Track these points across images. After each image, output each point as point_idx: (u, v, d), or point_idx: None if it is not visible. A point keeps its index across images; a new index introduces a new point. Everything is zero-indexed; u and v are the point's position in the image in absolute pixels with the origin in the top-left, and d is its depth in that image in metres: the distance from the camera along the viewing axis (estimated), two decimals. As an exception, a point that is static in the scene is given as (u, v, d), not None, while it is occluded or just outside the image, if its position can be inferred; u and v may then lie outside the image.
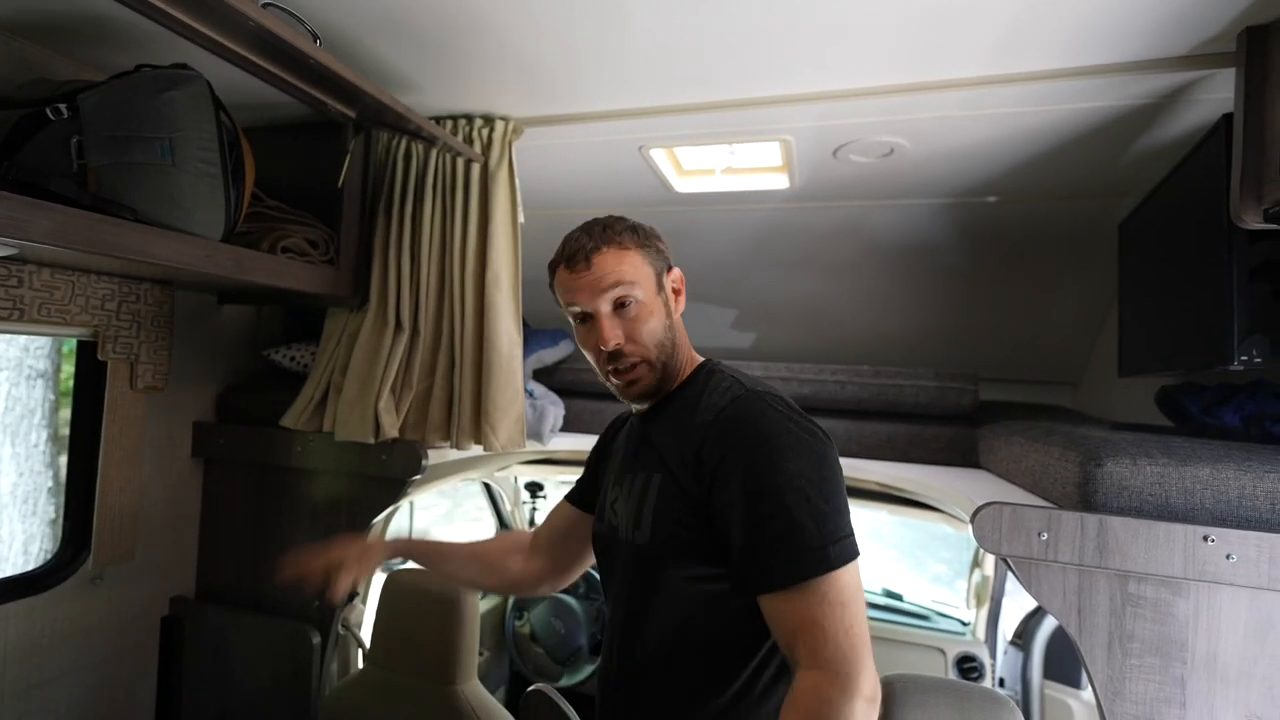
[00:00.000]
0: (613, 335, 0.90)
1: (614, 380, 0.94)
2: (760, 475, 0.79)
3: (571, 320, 0.97)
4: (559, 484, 3.00)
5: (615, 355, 0.91)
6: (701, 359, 1.01)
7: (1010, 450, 1.27)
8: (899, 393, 1.63)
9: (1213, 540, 0.87)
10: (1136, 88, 1.09)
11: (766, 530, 0.77)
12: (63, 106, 1.01)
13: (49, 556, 1.37)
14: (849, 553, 0.78)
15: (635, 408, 1.00)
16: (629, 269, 0.91)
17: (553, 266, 0.97)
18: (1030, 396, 2.05)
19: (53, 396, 2.09)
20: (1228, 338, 1.00)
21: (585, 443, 1.75)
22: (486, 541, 1.24)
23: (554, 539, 1.17)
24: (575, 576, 1.20)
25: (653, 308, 0.93)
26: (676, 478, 0.88)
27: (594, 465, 1.16)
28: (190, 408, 1.54)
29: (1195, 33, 0.96)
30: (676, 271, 1.00)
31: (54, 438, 2.16)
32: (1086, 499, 0.95)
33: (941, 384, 1.61)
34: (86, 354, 1.34)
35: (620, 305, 0.91)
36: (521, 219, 1.40)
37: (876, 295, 2.00)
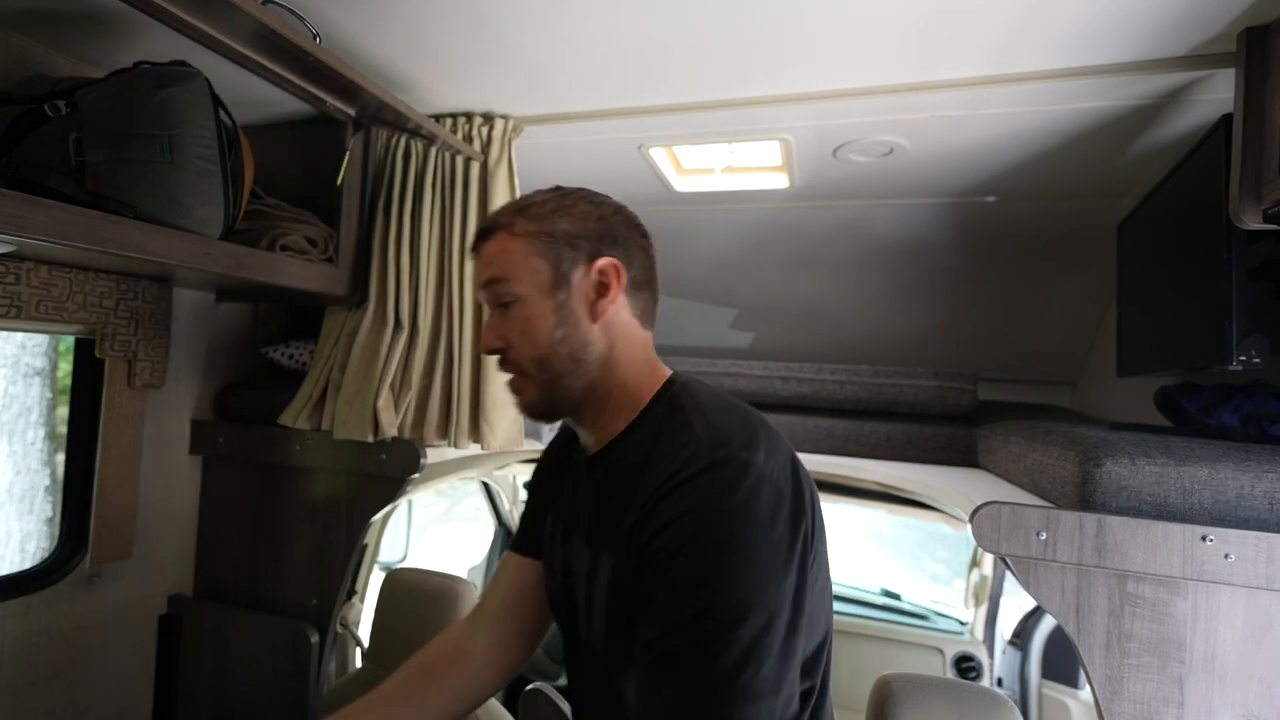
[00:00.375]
0: (486, 336, 0.76)
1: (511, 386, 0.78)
2: (683, 589, 0.61)
3: None
4: None
5: (501, 361, 0.77)
6: (668, 376, 0.79)
7: (1009, 450, 1.27)
8: (898, 392, 1.63)
9: (1211, 540, 0.87)
10: (1136, 88, 1.09)
11: (660, 665, 0.60)
12: (61, 103, 1.01)
13: (46, 555, 1.36)
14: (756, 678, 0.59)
15: (586, 446, 0.81)
16: (512, 260, 0.73)
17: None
18: (1028, 396, 2.05)
19: (50, 394, 2.09)
20: (1227, 338, 1.00)
21: (584, 442, 1.75)
22: (415, 665, 0.90)
23: (510, 607, 0.91)
24: (533, 646, 0.94)
25: (537, 310, 0.73)
26: (626, 567, 0.68)
27: (539, 493, 0.95)
28: (188, 405, 1.54)
29: (1195, 33, 0.96)
30: (605, 262, 0.75)
31: (51, 436, 2.15)
32: (1085, 499, 0.95)
33: (940, 384, 1.61)
34: (84, 351, 1.34)
35: (502, 304, 0.75)
36: (521, 217, 1.40)
37: (876, 295, 2.00)
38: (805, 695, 0.70)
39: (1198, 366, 1.09)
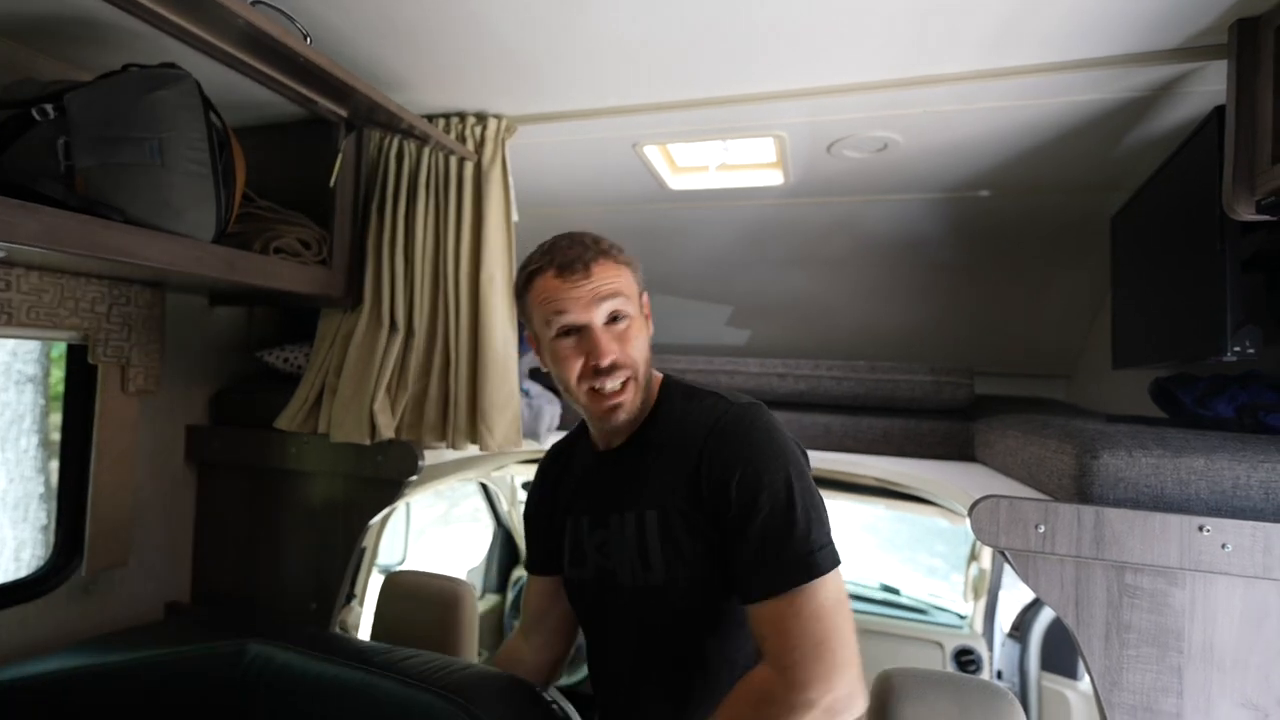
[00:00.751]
0: (609, 349, 0.85)
1: (596, 403, 0.88)
2: (752, 487, 0.79)
3: (547, 334, 0.88)
4: None
5: (608, 370, 0.86)
6: (663, 377, 0.98)
7: (1006, 444, 1.27)
8: (894, 388, 1.63)
9: (1208, 530, 0.88)
10: (1128, 81, 1.10)
11: (758, 541, 0.78)
12: (49, 107, 1.00)
13: (41, 563, 1.35)
14: (833, 559, 0.79)
15: (603, 432, 0.94)
16: (623, 283, 0.88)
17: (530, 274, 0.90)
18: (1024, 390, 2.06)
19: (43, 401, 2.07)
20: (1221, 329, 1.00)
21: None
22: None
23: (543, 613, 1.09)
24: (573, 642, 1.13)
25: (640, 326, 0.91)
26: (678, 507, 0.85)
27: (540, 517, 1.08)
28: (183, 411, 1.53)
29: (1186, 25, 0.96)
30: (646, 295, 0.97)
31: (44, 443, 2.14)
32: (1083, 491, 0.95)
33: (936, 378, 1.61)
34: (77, 358, 1.33)
35: (614, 319, 0.87)
36: (516, 218, 1.40)
37: (871, 291, 2.00)
38: None
39: (1192, 358, 1.10)
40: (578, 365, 0.86)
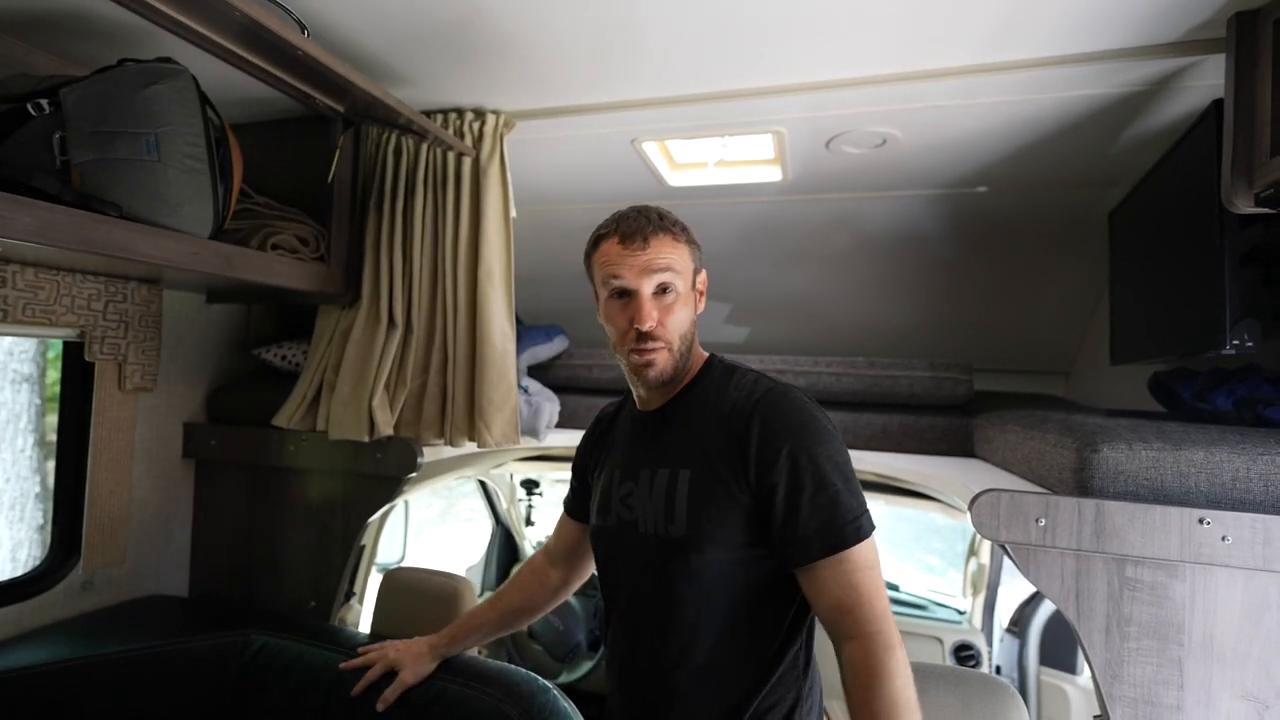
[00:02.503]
0: (650, 316, 0.93)
1: (633, 358, 0.96)
2: (801, 457, 0.88)
3: (602, 292, 0.98)
4: (554, 481, 3.00)
5: (646, 336, 0.94)
6: (706, 354, 1.04)
7: (1006, 439, 1.27)
8: (894, 384, 1.64)
9: (1208, 523, 0.88)
10: (1127, 75, 1.10)
11: (810, 507, 0.86)
12: (44, 102, 0.99)
13: (38, 563, 1.34)
14: (871, 524, 0.88)
15: (641, 395, 1.03)
16: (677, 259, 0.96)
17: (597, 238, 0.99)
18: (1023, 386, 2.06)
19: (39, 401, 2.06)
20: (1220, 323, 1.01)
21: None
22: (517, 581, 1.27)
23: (568, 551, 1.21)
24: (586, 578, 1.26)
25: (686, 301, 0.97)
26: (713, 469, 0.92)
27: (583, 467, 1.16)
28: (180, 408, 1.52)
29: (1185, 19, 0.96)
30: (704, 274, 1.03)
31: (40, 443, 2.13)
32: (1083, 484, 0.95)
33: (936, 374, 1.61)
34: (73, 355, 1.32)
35: (662, 290, 0.95)
36: (514, 214, 1.39)
37: (870, 287, 2.00)
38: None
39: (1191, 352, 1.10)
40: (622, 325, 0.96)
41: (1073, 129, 1.27)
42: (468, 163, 1.36)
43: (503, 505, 2.71)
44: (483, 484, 2.62)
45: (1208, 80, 1.08)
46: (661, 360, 0.95)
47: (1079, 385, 1.98)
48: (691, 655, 0.92)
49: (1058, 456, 1.02)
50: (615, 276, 0.94)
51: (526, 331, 1.75)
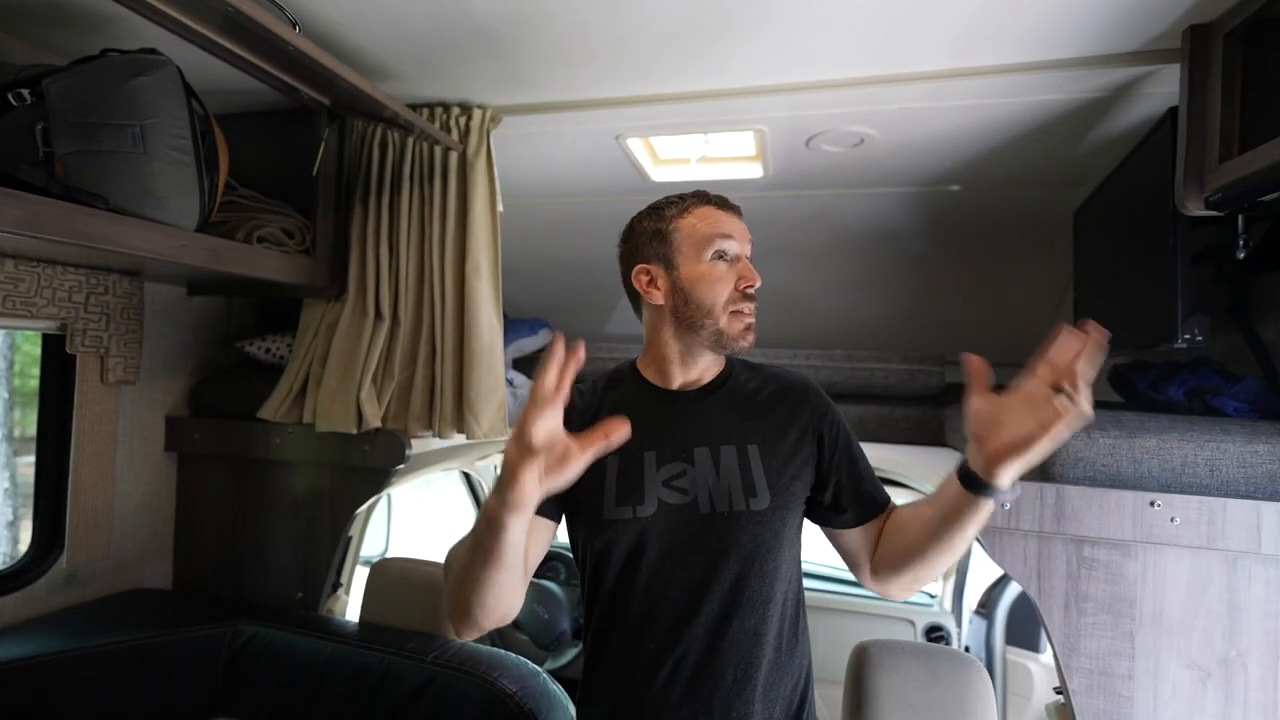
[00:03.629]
0: (757, 277, 0.96)
1: (736, 322, 0.95)
2: (846, 428, 1.02)
3: (701, 255, 0.95)
4: None
5: (753, 297, 0.97)
6: None
7: (975, 428, 1.33)
8: (870, 376, 1.69)
9: (1158, 505, 0.94)
10: (1089, 82, 1.15)
11: (866, 472, 1.00)
12: (26, 92, 0.98)
13: (6, 559, 1.33)
14: None
15: (697, 363, 0.99)
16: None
17: (686, 206, 0.99)
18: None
19: (5, 394, 2.01)
20: (1173, 318, 1.07)
21: (566, 430, 1.77)
22: None
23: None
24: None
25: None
26: (780, 440, 0.97)
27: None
28: (161, 401, 1.52)
29: (1143, 30, 1.02)
30: None
31: (9, 438, 2.08)
32: (1045, 470, 1.01)
33: (910, 367, 1.67)
34: (53, 348, 1.31)
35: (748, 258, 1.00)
36: (500, 208, 1.41)
37: (848, 281, 2.06)
38: None
39: (1147, 345, 1.17)
40: (729, 286, 0.95)
41: (1040, 131, 1.33)
42: (454, 157, 1.37)
43: (486, 496, 2.72)
44: (466, 475, 2.63)
45: (1165, 88, 1.14)
46: (753, 324, 0.98)
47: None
48: (780, 627, 0.93)
49: (1022, 444, 1.07)
50: (726, 236, 0.95)
51: (511, 325, 1.77)
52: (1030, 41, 1.06)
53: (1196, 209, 0.98)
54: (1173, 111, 1.05)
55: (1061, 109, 1.24)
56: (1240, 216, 1.04)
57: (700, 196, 1.00)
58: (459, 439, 1.41)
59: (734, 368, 1.03)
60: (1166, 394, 1.16)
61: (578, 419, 0.99)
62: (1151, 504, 0.94)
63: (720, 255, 0.96)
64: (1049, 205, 1.64)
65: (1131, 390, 1.28)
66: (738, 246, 0.96)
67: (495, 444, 1.90)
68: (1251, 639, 0.91)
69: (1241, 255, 1.06)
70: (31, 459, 1.34)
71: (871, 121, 1.34)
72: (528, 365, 1.87)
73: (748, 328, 0.96)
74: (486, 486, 2.72)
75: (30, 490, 1.35)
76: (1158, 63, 1.07)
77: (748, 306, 0.95)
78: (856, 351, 1.72)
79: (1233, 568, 0.92)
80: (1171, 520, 0.94)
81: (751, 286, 0.95)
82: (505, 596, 0.82)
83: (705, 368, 1.00)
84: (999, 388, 0.86)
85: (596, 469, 0.91)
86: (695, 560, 0.91)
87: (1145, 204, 1.18)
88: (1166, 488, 0.97)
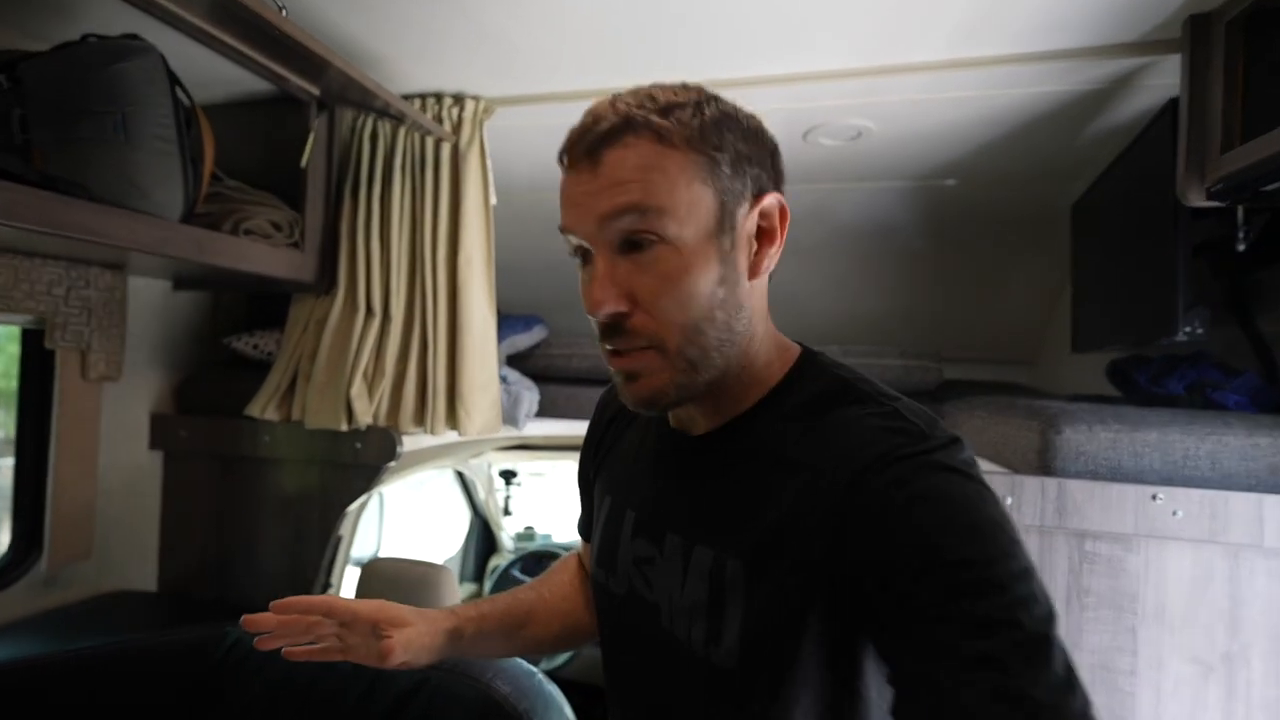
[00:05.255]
0: (604, 294, 0.53)
1: (614, 365, 0.58)
2: (944, 590, 0.45)
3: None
4: (531, 474, 2.99)
5: (611, 329, 0.55)
6: (800, 349, 0.64)
7: (973, 424, 1.32)
8: (865, 372, 1.67)
9: (1160, 498, 0.93)
10: (1089, 73, 1.14)
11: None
12: (2, 77, 0.95)
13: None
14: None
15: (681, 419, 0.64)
16: (661, 183, 0.52)
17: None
18: (989, 375, 2.13)
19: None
20: (1173, 311, 1.06)
21: (560, 428, 1.75)
22: (556, 575, 0.86)
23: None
24: None
25: (698, 258, 0.53)
26: (779, 568, 0.52)
27: (585, 476, 0.82)
28: (145, 398, 1.48)
29: (1144, 20, 1.01)
30: (773, 200, 0.58)
31: (-9, 438, 2.03)
32: (1046, 464, 1.00)
33: (906, 363, 1.66)
34: (32, 343, 1.27)
35: (633, 245, 0.54)
36: (494, 200, 1.39)
37: (843, 277, 2.05)
38: None
39: (1147, 339, 1.16)
40: (587, 308, 0.56)
41: (1037, 124, 1.32)
42: (447, 148, 1.34)
43: (480, 496, 2.70)
44: (460, 475, 2.61)
45: (1165, 79, 1.13)
46: (651, 371, 0.55)
47: (1043, 373, 2.06)
48: None
49: (1022, 439, 1.06)
50: (565, 227, 0.57)
51: (505, 321, 1.75)
52: (1030, 31, 1.05)
53: (1198, 200, 0.98)
54: (1173, 102, 1.05)
55: (1060, 101, 1.23)
56: (1240, 209, 1.03)
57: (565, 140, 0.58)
58: (452, 436, 1.39)
59: (789, 394, 0.59)
60: (1167, 388, 1.16)
61: (595, 440, 0.80)
62: (1153, 497, 0.94)
63: (579, 256, 0.58)
64: (1046, 200, 1.63)
65: (1130, 384, 1.27)
66: (583, 234, 0.56)
67: (487, 441, 1.88)
68: (1254, 633, 0.91)
69: (1241, 248, 1.05)
70: (11, 460, 1.31)
71: (870, 114, 1.32)
72: (522, 362, 1.84)
73: (626, 380, 0.57)
74: (480, 486, 2.69)
75: (9, 492, 1.31)
76: (1158, 54, 1.06)
77: (614, 345, 0.56)
78: (854, 347, 1.71)
79: (1235, 561, 0.92)
80: (1174, 514, 0.93)
81: (590, 311, 0.55)
82: (544, 639, 0.79)
83: (702, 411, 0.61)
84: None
85: (593, 500, 0.77)
86: (648, 680, 0.64)
87: (1145, 196, 1.17)
88: (1168, 481, 0.96)
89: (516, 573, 2.50)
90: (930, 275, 1.97)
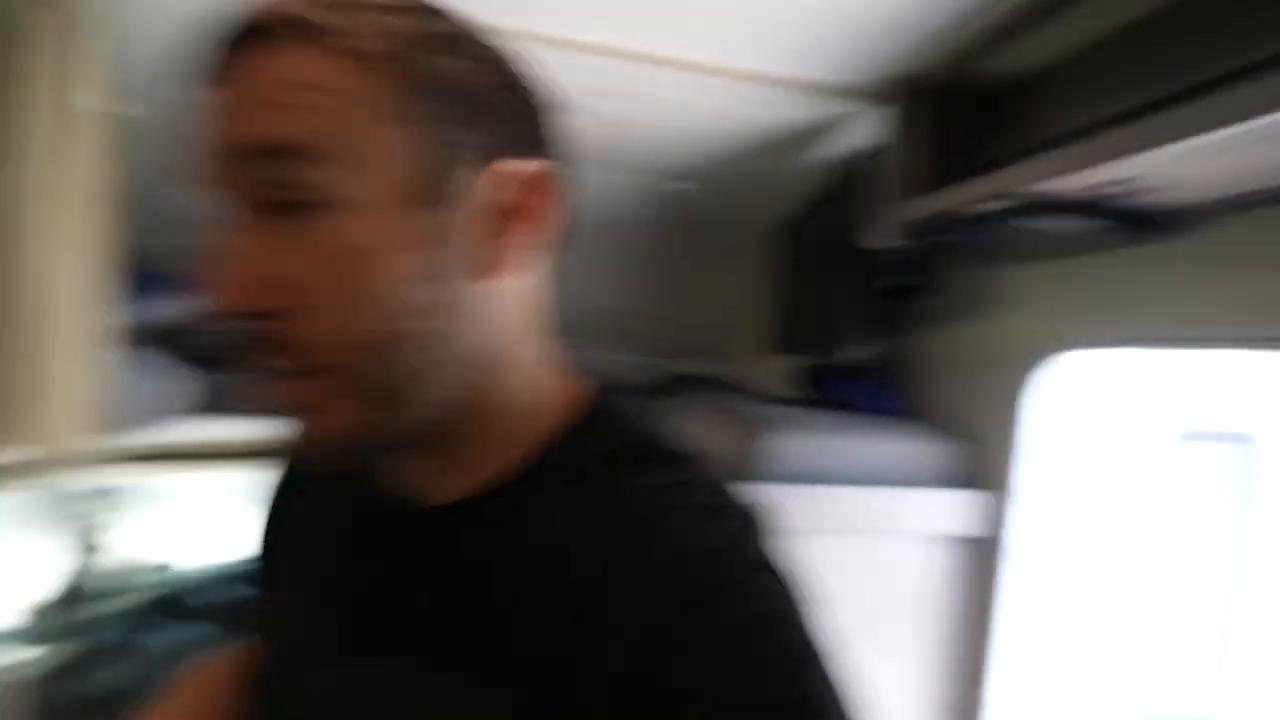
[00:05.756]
0: (234, 277, 0.36)
1: (270, 394, 0.39)
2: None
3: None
4: (169, 494, 2.02)
5: (262, 337, 0.37)
6: (582, 388, 0.48)
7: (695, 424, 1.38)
8: (598, 367, 1.66)
9: (831, 497, 1.06)
10: (820, 108, 1.24)
11: None
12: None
13: None
14: None
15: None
16: (333, 113, 0.35)
17: None
18: (703, 369, 2.33)
19: None
20: (837, 331, 1.28)
21: (229, 430, 1.32)
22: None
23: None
24: None
25: (384, 234, 0.37)
26: (566, 701, 0.37)
27: (266, 551, 0.58)
28: None
29: (872, 69, 1.11)
30: (531, 167, 0.41)
31: None
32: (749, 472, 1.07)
33: (639, 359, 1.70)
34: None
35: (283, 205, 0.36)
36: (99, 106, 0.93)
37: (579, 268, 2.00)
38: None
39: (819, 352, 1.38)
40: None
41: (767, 147, 1.43)
42: (48, 16, 0.85)
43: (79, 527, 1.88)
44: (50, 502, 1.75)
45: (868, 128, 1.28)
46: (327, 407, 0.38)
47: (751, 370, 2.32)
48: None
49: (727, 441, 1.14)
50: (184, 167, 0.39)
51: (144, 281, 1.24)
52: (777, 54, 1.10)
53: (875, 242, 1.14)
54: (866, 151, 1.21)
55: (792, 129, 1.34)
56: (908, 249, 1.25)
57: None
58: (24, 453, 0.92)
59: (555, 462, 0.43)
60: (840, 395, 1.36)
61: (281, 504, 0.57)
62: (826, 496, 1.06)
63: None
64: (763, 217, 1.81)
65: (816, 389, 1.49)
66: (241, 177, 0.37)
67: (91, 454, 1.30)
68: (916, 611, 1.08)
69: (906, 284, 1.27)
70: None
71: (620, 101, 1.26)
72: (177, 338, 1.33)
73: (298, 420, 0.40)
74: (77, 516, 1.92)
75: None
76: (871, 105, 1.20)
77: (270, 362, 0.38)
78: (585, 344, 1.67)
79: (892, 549, 1.08)
80: (839, 510, 1.06)
81: (220, 304, 0.36)
82: None
83: (435, 467, 0.44)
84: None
85: (268, 590, 0.56)
86: None
87: (831, 230, 1.37)
88: (834, 480, 1.08)
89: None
90: (661, 274, 2.05)
